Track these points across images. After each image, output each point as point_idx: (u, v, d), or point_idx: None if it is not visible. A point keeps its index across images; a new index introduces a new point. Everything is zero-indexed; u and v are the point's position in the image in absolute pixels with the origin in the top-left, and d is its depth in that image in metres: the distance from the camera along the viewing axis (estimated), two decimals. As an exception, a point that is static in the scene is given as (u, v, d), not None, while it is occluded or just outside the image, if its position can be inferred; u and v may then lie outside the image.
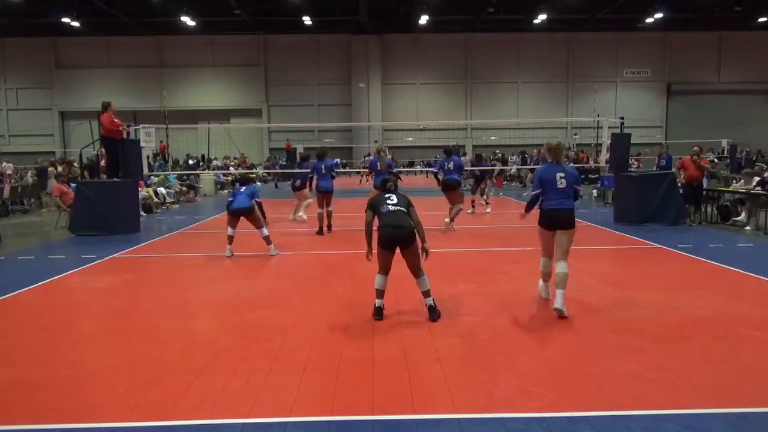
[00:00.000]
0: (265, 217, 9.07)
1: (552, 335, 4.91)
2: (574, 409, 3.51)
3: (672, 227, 11.35)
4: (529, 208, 5.95)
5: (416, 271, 5.47)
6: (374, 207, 5.53)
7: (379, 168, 11.09)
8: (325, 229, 11.09)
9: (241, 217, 8.83)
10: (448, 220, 11.14)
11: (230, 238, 8.90)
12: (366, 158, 31.30)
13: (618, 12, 32.56)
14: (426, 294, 5.44)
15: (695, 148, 12.48)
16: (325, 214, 11.08)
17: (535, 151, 21.07)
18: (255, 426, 3.37)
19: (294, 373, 4.13)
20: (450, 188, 11.30)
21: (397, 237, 5.28)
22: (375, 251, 5.44)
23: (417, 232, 5.39)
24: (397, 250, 5.41)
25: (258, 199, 8.91)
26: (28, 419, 3.50)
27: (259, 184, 23.49)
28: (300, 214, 12.95)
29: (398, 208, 5.45)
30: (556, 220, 5.54)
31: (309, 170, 11.57)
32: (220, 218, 14.38)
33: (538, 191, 5.63)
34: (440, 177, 11.33)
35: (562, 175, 5.49)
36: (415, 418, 3.44)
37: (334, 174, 11.55)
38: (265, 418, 3.46)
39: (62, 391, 3.90)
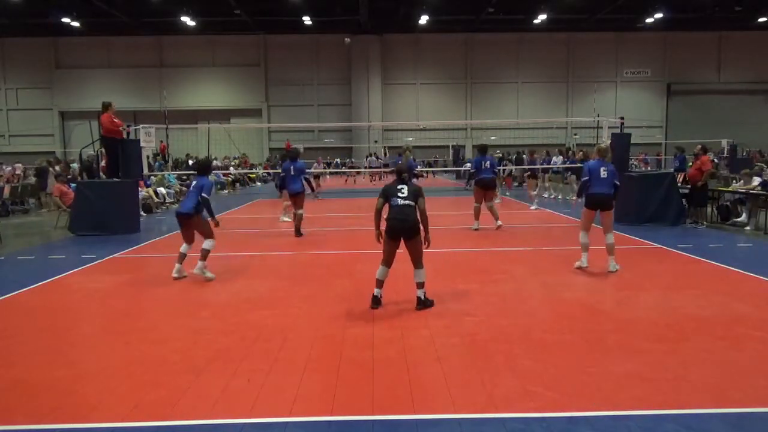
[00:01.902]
0: (213, 215, 7.15)
1: (552, 335, 4.91)
2: (574, 409, 3.52)
3: (672, 227, 11.35)
4: (580, 194, 7.71)
5: (416, 262, 5.84)
6: (386, 196, 5.91)
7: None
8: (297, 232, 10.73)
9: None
10: (499, 222, 10.97)
11: (181, 256, 7.15)
12: (369, 158, 31.30)
13: (618, 12, 32.57)
14: (419, 285, 5.84)
15: (698, 147, 12.48)
16: (295, 216, 10.83)
17: (580, 153, 21.19)
18: (255, 426, 3.37)
19: (294, 373, 4.13)
20: (489, 187, 11.27)
21: (401, 229, 5.73)
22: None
23: (421, 222, 5.77)
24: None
25: (204, 194, 7.07)
26: (28, 419, 3.50)
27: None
28: (283, 216, 12.93)
29: (406, 202, 5.80)
30: (600, 202, 7.35)
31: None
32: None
33: (586, 178, 7.42)
34: (478, 176, 11.26)
35: (605, 168, 7.34)
36: (415, 418, 3.44)
37: (307, 176, 11.16)
38: (265, 418, 3.47)
39: (62, 391, 3.90)
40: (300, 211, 10.76)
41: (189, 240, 7.19)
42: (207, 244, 7.06)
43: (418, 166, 11.94)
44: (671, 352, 4.49)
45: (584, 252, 7.54)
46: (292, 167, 10.78)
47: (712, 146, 31.75)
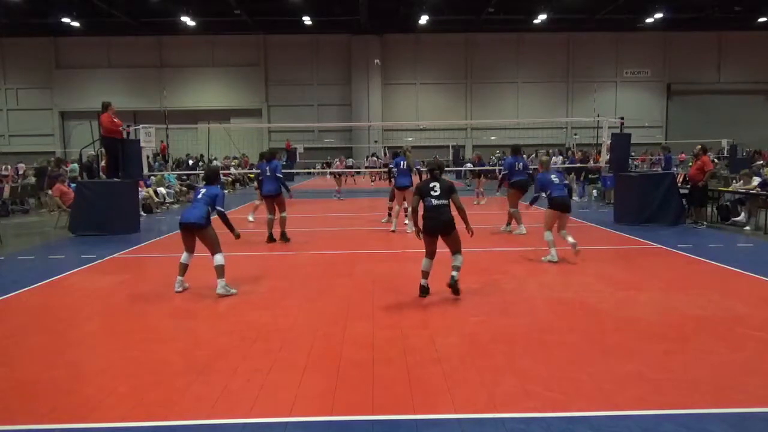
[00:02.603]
0: (233, 230, 6.76)
1: (552, 335, 4.91)
2: (574, 409, 3.52)
3: (672, 227, 11.35)
4: (534, 202, 8.68)
5: (455, 252, 6.20)
6: (421, 194, 6.12)
7: (402, 167, 10.96)
8: (277, 237, 10.12)
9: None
10: (522, 227, 10.50)
11: (182, 267, 6.67)
12: (369, 158, 31.29)
13: (618, 12, 32.55)
14: (455, 268, 6.13)
15: (697, 147, 12.48)
16: (277, 220, 10.14)
17: (579, 153, 21.38)
18: (255, 426, 3.37)
19: (294, 373, 4.13)
20: (524, 190, 10.81)
21: (437, 228, 6.08)
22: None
23: (460, 216, 6.13)
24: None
25: (220, 208, 6.67)
26: (28, 419, 3.50)
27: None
28: (250, 216, 12.89)
29: (440, 201, 6.05)
30: (563, 204, 8.13)
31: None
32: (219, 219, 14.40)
33: (542, 190, 8.29)
34: (512, 178, 10.80)
35: (555, 175, 8.10)
36: (415, 418, 3.44)
37: (280, 176, 10.25)
38: (265, 418, 3.47)
39: (62, 391, 3.90)
40: (283, 214, 10.15)
41: (191, 249, 6.72)
42: (219, 259, 6.52)
43: (418, 166, 11.81)
44: (671, 352, 4.49)
45: (552, 248, 8.10)
46: (268, 168, 10.12)
47: (712, 146, 31.78)
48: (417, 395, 3.73)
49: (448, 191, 6.10)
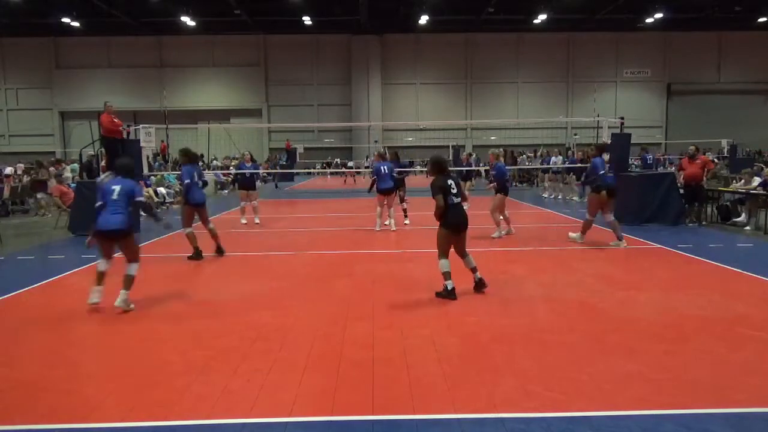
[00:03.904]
0: (159, 218, 6.46)
1: (552, 335, 4.91)
2: (574, 409, 3.51)
3: (672, 227, 11.36)
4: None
5: (463, 252, 6.28)
6: (444, 193, 6.00)
7: (384, 172, 10.99)
8: (212, 251, 8.73)
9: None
10: (578, 234, 9.59)
11: (101, 276, 5.89)
12: (370, 159, 31.32)
13: (618, 12, 32.56)
14: (474, 270, 6.32)
15: (691, 147, 12.56)
16: (209, 233, 8.83)
17: (580, 153, 21.37)
18: (255, 426, 3.37)
19: (294, 373, 4.13)
20: (614, 195, 9.91)
21: (463, 226, 6.16)
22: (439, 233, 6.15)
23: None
24: None
25: (140, 198, 6.16)
26: (28, 419, 3.50)
27: (213, 178, 22.65)
28: (243, 219, 12.86)
29: (459, 200, 6.15)
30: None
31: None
32: (219, 219, 14.38)
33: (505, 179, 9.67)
34: (602, 180, 9.40)
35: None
36: (415, 418, 3.44)
37: (205, 181, 9.15)
38: (265, 418, 3.46)
39: (62, 391, 3.90)
40: (211, 226, 8.86)
41: (110, 255, 6.04)
42: (133, 269, 5.90)
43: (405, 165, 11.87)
44: (671, 352, 4.49)
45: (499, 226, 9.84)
46: (195, 172, 8.70)
47: (712, 146, 31.84)
48: (417, 395, 3.73)
49: (460, 187, 6.29)
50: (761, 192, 11.36)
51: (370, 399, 3.68)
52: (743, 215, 11.60)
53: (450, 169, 7.05)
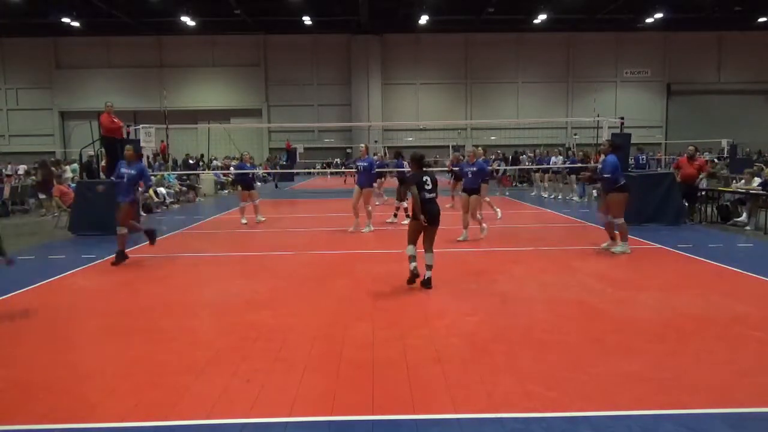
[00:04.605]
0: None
1: (552, 335, 4.91)
2: (574, 409, 3.51)
3: (672, 227, 11.35)
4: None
5: (429, 247, 6.66)
6: (418, 187, 6.50)
7: (359, 169, 10.99)
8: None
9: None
10: (621, 244, 8.83)
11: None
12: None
13: (618, 12, 32.58)
14: (429, 267, 6.63)
15: (690, 148, 12.61)
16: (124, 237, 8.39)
17: (580, 153, 21.46)
18: (255, 426, 3.37)
19: (294, 373, 4.13)
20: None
21: (434, 220, 6.62)
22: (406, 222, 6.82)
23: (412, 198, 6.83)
24: None
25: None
26: (28, 419, 3.50)
27: (212, 177, 22.78)
28: (243, 220, 12.80)
29: (432, 195, 6.63)
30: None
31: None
32: (219, 219, 14.40)
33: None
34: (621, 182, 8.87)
35: (427, 178, 6.85)
36: (415, 418, 3.44)
37: (140, 185, 8.65)
38: (265, 418, 3.46)
39: (62, 391, 3.90)
40: (124, 232, 8.44)
41: None
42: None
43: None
44: (671, 352, 4.49)
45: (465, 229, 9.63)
46: (126, 173, 8.34)
47: (712, 146, 31.84)
48: (417, 395, 3.73)
49: (435, 184, 6.75)
50: (761, 192, 11.36)
51: (370, 399, 3.68)
52: (743, 215, 11.60)
53: (453, 169, 7.41)
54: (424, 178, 6.59)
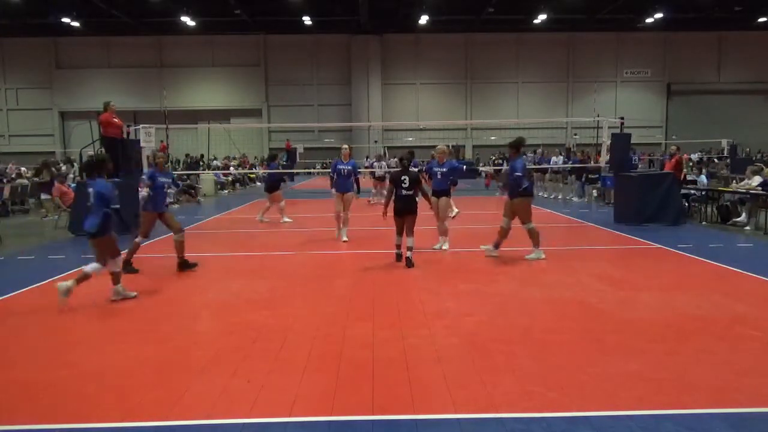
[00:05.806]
0: (135, 233, 6.30)
1: (552, 335, 4.91)
2: (574, 409, 3.51)
3: (672, 227, 11.35)
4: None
5: (410, 231, 7.72)
6: (395, 184, 7.79)
7: (343, 174, 9.91)
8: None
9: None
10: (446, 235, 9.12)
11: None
12: (369, 159, 31.26)
13: (618, 12, 32.59)
14: (409, 249, 7.72)
15: (672, 147, 12.80)
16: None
17: (580, 153, 21.47)
18: (255, 426, 3.37)
19: (294, 373, 4.13)
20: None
21: (405, 213, 7.74)
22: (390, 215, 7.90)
23: (422, 195, 8.29)
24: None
25: (114, 206, 5.95)
26: (28, 419, 3.50)
27: (213, 177, 22.89)
28: (284, 219, 12.92)
29: (408, 193, 7.69)
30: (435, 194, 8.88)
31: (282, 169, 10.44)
32: (219, 219, 14.40)
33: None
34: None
35: (405, 177, 7.84)
36: (415, 418, 3.44)
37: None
38: (265, 418, 3.46)
39: (62, 391, 3.89)
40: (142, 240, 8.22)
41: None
42: (92, 268, 6.04)
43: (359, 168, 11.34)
44: (671, 352, 4.49)
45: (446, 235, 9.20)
46: (164, 182, 8.13)
47: (712, 146, 31.84)
48: (417, 395, 3.72)
49: (414, 183, 7.68)
50: (761, 192, 11.35)
51: (369, 399, 3.68)
52: (743, 215, 11.59)
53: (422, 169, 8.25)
54: (402, 177, 7.65)
